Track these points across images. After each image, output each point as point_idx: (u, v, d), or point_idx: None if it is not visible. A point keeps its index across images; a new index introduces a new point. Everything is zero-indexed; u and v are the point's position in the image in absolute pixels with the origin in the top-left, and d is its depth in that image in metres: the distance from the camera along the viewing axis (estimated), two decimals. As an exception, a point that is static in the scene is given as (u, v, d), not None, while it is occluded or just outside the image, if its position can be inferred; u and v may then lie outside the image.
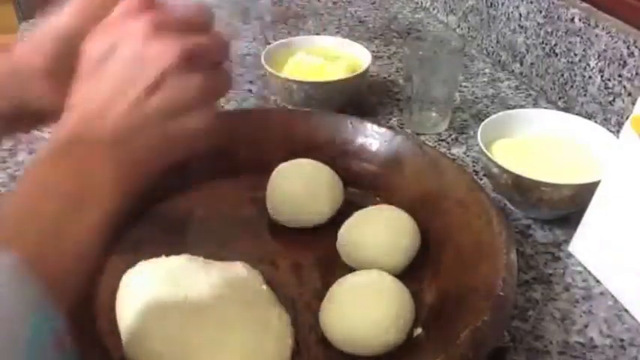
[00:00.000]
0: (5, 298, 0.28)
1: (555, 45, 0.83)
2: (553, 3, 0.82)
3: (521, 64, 0.91)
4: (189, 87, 0.38)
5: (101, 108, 0.37)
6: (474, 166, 0.73)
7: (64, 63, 0.43)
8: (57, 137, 0.37)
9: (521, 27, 0.89)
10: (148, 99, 0.37)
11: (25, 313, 0.28)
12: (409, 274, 0.54)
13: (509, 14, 0.91)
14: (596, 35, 0.75)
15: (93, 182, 0.35)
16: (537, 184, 0.59)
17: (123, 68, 0.37)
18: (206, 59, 0.39)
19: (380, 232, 0.56)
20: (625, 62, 0.71)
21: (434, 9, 1.14)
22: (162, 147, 0.39)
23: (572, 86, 0.81)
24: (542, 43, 0.85)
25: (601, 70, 0.75)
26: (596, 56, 0.75)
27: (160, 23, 0.38)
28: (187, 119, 0.39)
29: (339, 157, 0.65)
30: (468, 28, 1.03)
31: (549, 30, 0.83)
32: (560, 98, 0.84)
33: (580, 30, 0.77)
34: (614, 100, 0.74)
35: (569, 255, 0.61)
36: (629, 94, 0.71)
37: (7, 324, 0.27)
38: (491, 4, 0.95)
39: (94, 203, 0.35)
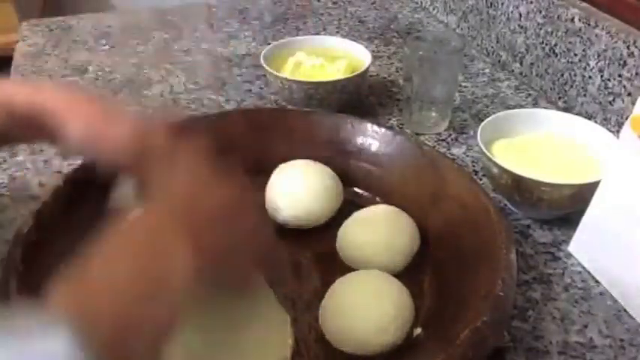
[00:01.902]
0: None
1: (555, 45, 0.83)
2: (553, 3, 0.82)
3: (521, 64, 0.91)
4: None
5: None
6: (473, 166, 0.73)
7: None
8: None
9: (521, 27, 0.89)
10: None
11: None
12: (409, 274, 0.54)
13: (509, 14, 0.91)
14: (596, 35, 0.75)
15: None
16: (537, 184, 0.59)
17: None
18: None
19: (380, 232, 0.56)
20: (625, 62, 0.71)
21: (434, 9, 1.14)
22: None
23: (572, 86, 0.81)
24: (542, 43, 0.85)
25: (601, 70, 0.75)
26: (596, 56, 0.75)
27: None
28: None
29: (339, 157, 0.65)
30: (468, 28, 1.03)
31: (549, 30, 0.83)
32: (560, 98, 0.84)
33: (580, 30, 0.77)
34: (613, 100, 0.74)
35: (569, 255, 0.61)
36: (629, 94, 0.71)
37: None
38: (491, 4, 0.95)
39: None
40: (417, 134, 0.78)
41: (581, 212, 0.59)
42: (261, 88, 0.90)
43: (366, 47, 0.86)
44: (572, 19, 0.78)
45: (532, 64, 0.88)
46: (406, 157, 0.62)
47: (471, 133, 0.79)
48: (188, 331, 0.46)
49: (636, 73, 0.70)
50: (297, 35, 1.02)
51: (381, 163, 0.64)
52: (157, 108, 0.85)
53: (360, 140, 0.65)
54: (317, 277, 0.56)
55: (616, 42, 0.72)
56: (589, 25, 0.76)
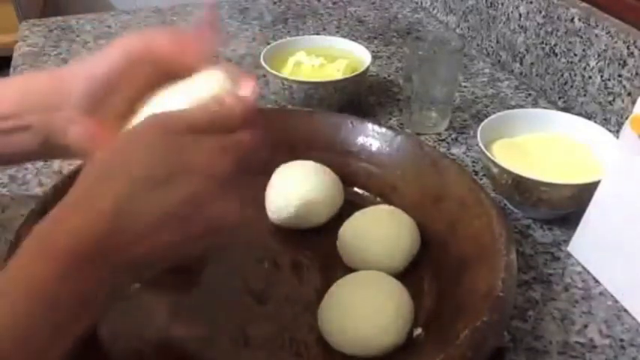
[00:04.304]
0: None
1: (555, 45, 0.83)
2: (553, 3, 0.82)
3: (521, 64, 0.91)
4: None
5: (141, 231, 0.35)
6: (473, 166, 0.73)
7: (97, 104, 0.42)
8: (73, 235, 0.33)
9: (521, 27, 0.89)
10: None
11: None
12: (409, 275, 0.54)
13: (509, 14, 0.91)
14: (596, 35, 0.75)
15: (95, 297, 0.34)
16: (537, 184, 0.59)
17: (180, 205, 0.36)
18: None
19: (380, 232, 0.56)
20: (625, 62, 0.71)
21: (434, 9, 1.14)
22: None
23: (571, 86, 0.81)
24: (542, 43, 0.85)
25: (601, 70, 0.75)
26: (596, 56, 0.75)
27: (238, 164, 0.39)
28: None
29: (339, 157, 0.65)
30: (468, 28, 1.03)
31: (549, 30, 0.83)
32: (560, 98, 0.84)
33: (580, 30, 0.78)
34: (613, 100, 0.74)
35: (569, 255, 0.61)
36: (629, 94, 0.71)
37: None
38: (491, 4, 0.95)
39: (89, 318, 0.34)
40: (417, 134, 0.78)
41: (581, 212, 0.59)
42: (261, 88, 0.90)
43: (366, 47, 0.86)
44: (572, 19, 0.78)
45: (532, 64, 0.88)
46: (406, 157, 0.62)
47: (471, 133, 0.79)
48: None
49: (636, 73, 0.70)
50: (297, 35, 1.02)
51: (381, 163, 0.64)
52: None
53: (360, 140, 0.65)
54: (317, 277, 0.56)
55: (616, 42, 0.72)
56: (589, 25, 0.76)
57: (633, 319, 0.54)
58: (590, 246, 0.59)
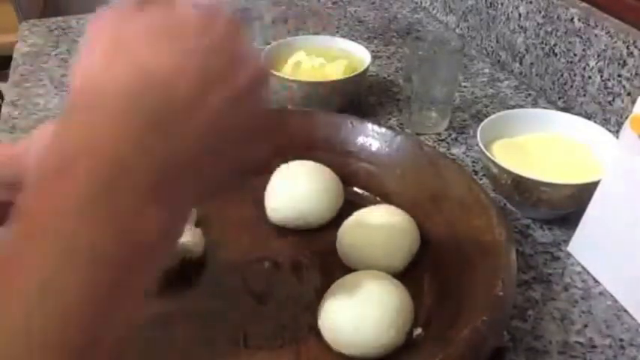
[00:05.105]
0: None
1: (555, 45, 0.83)
2: (552, 3, 0.82)
3: (521, 63, 0.91)
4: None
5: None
6: (473, 166, 0.73)
7: None
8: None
9: (521, 27, 0.89)
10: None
11: None
12: (409, 274, 0.54)
13: (508, 14, 0.91)
14: (596, 35, 0.75)
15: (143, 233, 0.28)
16: (537, 184, 0.59)
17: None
18: None
19: (380, 232, 0.56)
20: (624, 62, 0.71)
21: (433, 9, 1.14)
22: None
23: (571, 86, 0.81)
24: (542, 43, 0.85)
25: (600, 70, 0.75)
26: (596, 56, 0.75)
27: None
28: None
29: (339, 157, 0.65)
30: (468, 28, 1.03)
31: (549, 30, 0.83)
32: (559, 98, 0.84)
33: (579, 30, 0.78)
34: (613, 100, 0.74)
35: (569, 255, 0.61)
36: (629, 94, 0.71)
37: None
38: (490, 4, 0.95)
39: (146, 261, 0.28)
40: (417, 134, 0.78)
41: (581, 212, 0.59)
42: (261, 88, 0.89)
43: (366, 47, 0.86)
44: (572, 19, 0.78)
45: (532, 64, 0.88)
46: (406, 157, 0.62)
47: (471, 133, 0.79)
48: None
49: (636, 73, 0.70)
50: (297, 35, 1.02)
51: (381, 163, 0.64)
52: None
53: (360, 140, 0.65)
54: (317, 277, 0.56)
55: (616, 42, 0.72)
56: (589, 25, 0.76)
57: (633, 319, 0.54)
58: (589, 246, 0.59)
